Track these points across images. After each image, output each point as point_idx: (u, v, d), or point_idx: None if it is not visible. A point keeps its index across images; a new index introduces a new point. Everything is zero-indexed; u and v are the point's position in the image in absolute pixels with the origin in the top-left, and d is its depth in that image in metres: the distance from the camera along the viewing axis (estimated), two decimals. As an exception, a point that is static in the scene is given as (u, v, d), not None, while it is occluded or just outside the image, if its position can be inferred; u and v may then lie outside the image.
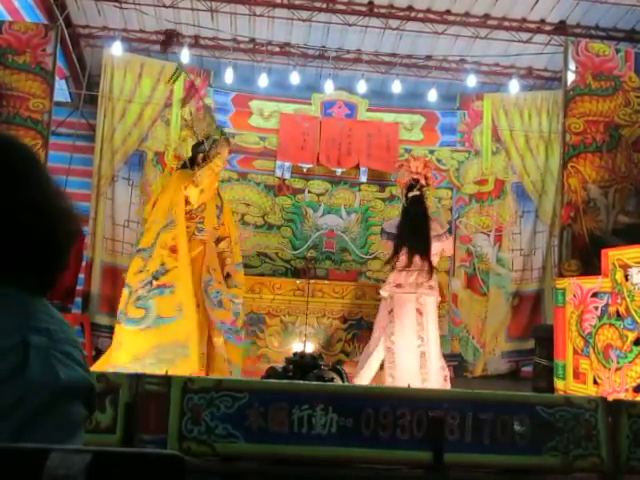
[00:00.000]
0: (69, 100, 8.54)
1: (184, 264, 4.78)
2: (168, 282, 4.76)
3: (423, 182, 5.66)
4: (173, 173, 5.81)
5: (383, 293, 5.54)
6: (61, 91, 8.06)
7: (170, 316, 4.68)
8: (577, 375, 5.15)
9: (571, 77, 5.98)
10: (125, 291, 4.85)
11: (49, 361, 0.90)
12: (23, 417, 0.84)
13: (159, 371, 3.77)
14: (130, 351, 4.58)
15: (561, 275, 5.67)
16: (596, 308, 4.97)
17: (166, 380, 2.55)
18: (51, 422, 0.88)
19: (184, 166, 5.17)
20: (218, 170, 5.14)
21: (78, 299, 7.30)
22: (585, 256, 5.59)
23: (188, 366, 4.43)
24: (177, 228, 4.89)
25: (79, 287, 7.30)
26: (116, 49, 7.67)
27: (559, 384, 5.35)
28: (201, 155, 5.07)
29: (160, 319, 4.67)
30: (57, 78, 6.67)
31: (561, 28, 7.71)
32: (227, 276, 5.10)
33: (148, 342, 4.60)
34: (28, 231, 0.96)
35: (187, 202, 4.95)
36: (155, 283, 4.76)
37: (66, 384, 0.91)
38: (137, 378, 2.53)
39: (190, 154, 5.30)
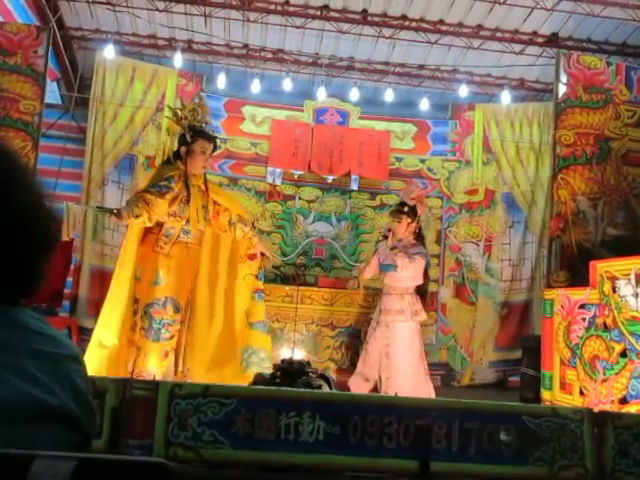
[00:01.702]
0: (60, 102, 8.52)
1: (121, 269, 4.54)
2: None
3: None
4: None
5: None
6: (52, 93, 8.04)
7: None
8: (564, 386, 5.17)
9: (562, 89, 6.02)
10: None
11: None
12: None
13: None
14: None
15: (549, 286, 5.69)
16: (583, 319, 4.99)
17: (154, 385, 2.54)
18: None
19: (168, 160, 4.72)
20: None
21: (66, 302, 7.26)
22: (573, 267, 5.61)
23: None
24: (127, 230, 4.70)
25: (67, 290, 7.26)
26: (108, 52, 7.65)
27: (546, 394, 5.37)
28: (184, 148, 4.62)
29: None
30: (48, 80, 6.65)
31: (553, 40, 7.77)
32: (262, 255, 4.77)
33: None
34: None
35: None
36: None
37: None
38: (124, 382, 2.52)
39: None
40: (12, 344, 0.88)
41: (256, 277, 4.83)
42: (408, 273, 5.50)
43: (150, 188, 4.47)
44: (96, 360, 4.28)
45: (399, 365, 5.47)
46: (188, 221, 4.57)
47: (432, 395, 5.39)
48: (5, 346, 0.87)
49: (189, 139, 4.59)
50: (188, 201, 4.56)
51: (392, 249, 5.59)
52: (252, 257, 4.77)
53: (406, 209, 5.67)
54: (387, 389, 5.43)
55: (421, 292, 5.65)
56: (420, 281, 5.61)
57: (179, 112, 4.69)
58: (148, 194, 4.38)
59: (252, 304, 4.78)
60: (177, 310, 4.50)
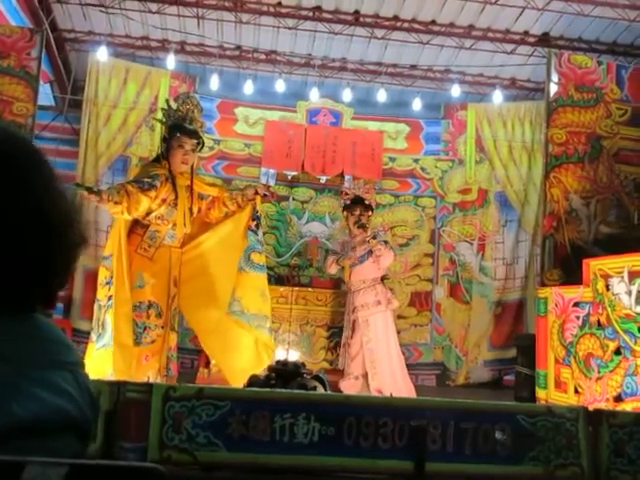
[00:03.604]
0: (53, 104, 8.49)
1: (117, 273, 4.27)
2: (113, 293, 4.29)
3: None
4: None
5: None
6: (45, 95, 8.02)
7: None
8: (558, 384, 5.18)
9: (554, 88, 6.05)
10: (95, 306, 4.42)
11: (3, 393, 0.78)
12: None
13: None
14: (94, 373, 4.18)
15: (543, 284, 5.71)
16: (577, 317, 5.01)
17: (148, 388, 2.53)
18: None
19: (156, 159, 4.64)
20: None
21: (60, 304, 7.24)
22: (567, 266, 5.63)
23: None
24: (112, 229, 4.51)
25: (61, 292, 7.23)
26: (101, 54, 7.64)
27: (541, 393, 5.38)
28: (164, 145, 4.51)
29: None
30: (41, 82, 6.64)
31: (544, 40, 7.79)
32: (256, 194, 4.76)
33: (106, 365, 4.12)
34: (17, 242, 0.84)
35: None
36: (109, 294, 4.30)
37: (23, 420, 0.78)
38: (118, 385, 2.51)
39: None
40: (37, 357, 0.85)
41: (252, 217, 4.82)
42: (387, 262, 5.89)
43: (133, 182, 4.33)
44: (120, 362, 4.16)
45: (384, 358, 5.70)
46: (174, 225, 4.47)
47: (411, 385, 5.84)
48: (31, 359, 0.84)
49: (166, 134, 4.49)
50: (176, 204, 4.46)
51: (374, 238, 5.87)
52: (251, 199, 4.77)
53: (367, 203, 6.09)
54: (377, 384, 5.54)
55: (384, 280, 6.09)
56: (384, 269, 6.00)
57: (167, 112, 4.61)
58: (130, 186, 4.22)
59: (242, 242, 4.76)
60: (159, 315, 4.39)
